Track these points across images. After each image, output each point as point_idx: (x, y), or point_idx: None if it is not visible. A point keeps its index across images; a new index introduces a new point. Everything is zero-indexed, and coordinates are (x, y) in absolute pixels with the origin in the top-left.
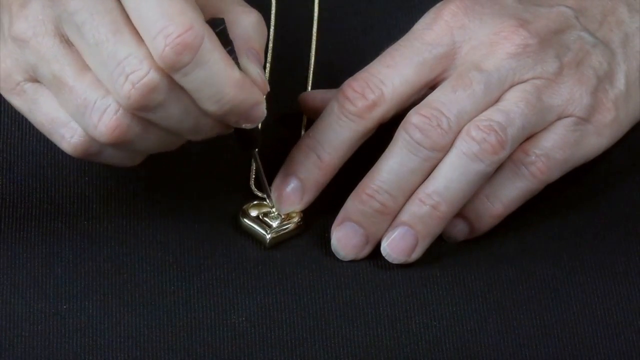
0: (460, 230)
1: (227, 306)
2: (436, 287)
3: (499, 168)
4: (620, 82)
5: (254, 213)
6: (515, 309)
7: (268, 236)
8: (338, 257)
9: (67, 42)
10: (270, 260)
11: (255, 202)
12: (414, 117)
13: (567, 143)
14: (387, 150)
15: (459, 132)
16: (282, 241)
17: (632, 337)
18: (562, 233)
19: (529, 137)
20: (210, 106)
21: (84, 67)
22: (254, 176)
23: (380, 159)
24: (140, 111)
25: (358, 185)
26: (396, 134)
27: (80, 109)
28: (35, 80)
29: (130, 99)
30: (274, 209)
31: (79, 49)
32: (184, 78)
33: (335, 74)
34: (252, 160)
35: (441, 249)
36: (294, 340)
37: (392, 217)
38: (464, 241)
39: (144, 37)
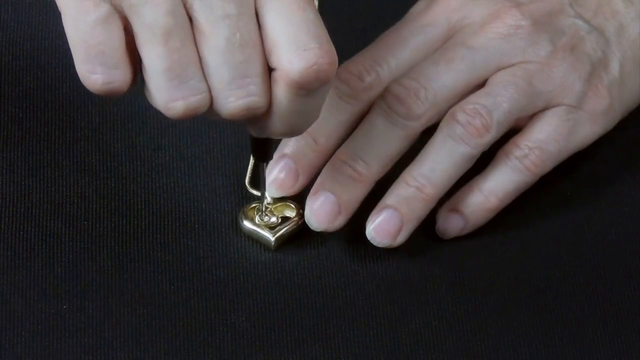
0: (454, 225)
1: (227, 306)
2: (436, 286)
3: (492, 161)
4: (614, 69)
5: (255, 217)
6: (515, 309)
7: (273, 239)
8: (311, 228)
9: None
10: (270, 260)
11: (254, 204)
12: (393, 87)
13: (561, 134)
14: (365, 118)
15: (437, 105)
16: (287, 241)
17: (632, 337)
18: (562, 233)
19: (519, 123)
20: (279, 126)
21: (193, 39)
22: (249, 175)
23: (358, 126)
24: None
25: (335, 153)
26: (375, 102)
27: (169, 73)
28: (117, 8)
29: (228, 112)
30: (268, 210)
31: (199, 21)
32: (292, 95)
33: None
34: (252, 164)
35: (441, 249)
36: (294, 340)
37: (365, 186)
38: (464, 241)
39: (280, 43)
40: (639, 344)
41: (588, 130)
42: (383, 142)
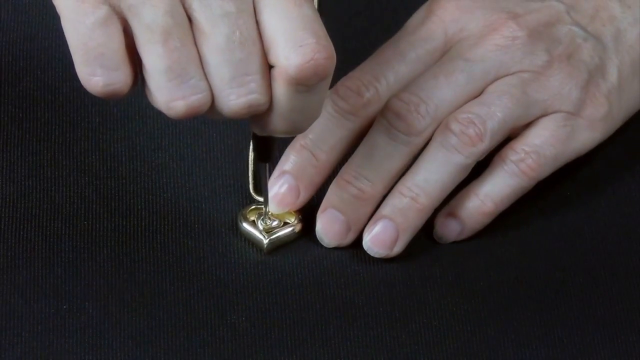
0: (451, 230)
1: (227, 306)
2: (436, 287)
3: (489, 166)
4: (612, 75)
5: (252, 217)
6: (515, 309)
7: (266, 241)
8: (322, 244)
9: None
10: (270, 260)
11: (253, 207)
12: (393, 103)
13: (558, 139)
14: (366, 136)
15: (437, 119)
16: (281, 245)
17: (632, 337)
18: (562, 233)
19: (514, 131)
20: (280, 124)
21: (193, 38)
22: (252, 182)
23: (360, 144)
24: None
25: (339, 172)
26: (376, 119)
27: (169, 73)
28: (116, 10)
29: (230, 110)
30: (270, 214)
31: (198, 20)
32: (291, 92)
33: (335, 74)
34: (253, 166)
35: (441, 249)
36: (294, 340)
37: (372, 204)
38: (464, 241)
39: (277, 39)
40: (639, 344)
41: (586, 137)
42: (386, 159)
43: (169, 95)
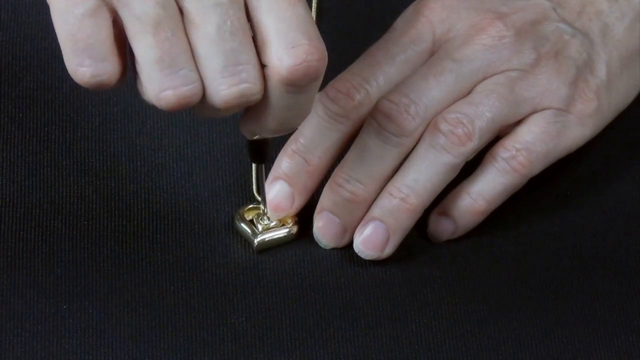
0: (444, 229)
1: (227, 306)
2: (436, 287)
3: (480, 164)
4: (601, 71)
5: (248, 216)
6: (515, 309)
7: (256, 240)
8: (320, 245)
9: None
10: (271, 260)
11: (251, 206)
12: (382, 104)
13: (549, 135)
14: (357, 138)
15: (427, 119)
16: (273, 246)
17: (632, 337)
18: (562, 233)
19: (505, 130)
20: (271, 123)
21: (184, 29)
22: (256, 183)
23: (351, 147)
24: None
25: (331, 175)
26: (366, 120)
27: (160, 63)
28: (105, 1)
29: (222, 100)
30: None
31: (189, 10)
32: (283, 92)
33: (335, 75)
34: (255, 168)
35: (441, 250)
36: (294, 340)
37: (365, 206)
38: (464, 241)
39: (270, 39)
40: (639, 344)
41: (577, 133)
42: (377, 161)
43: (159, 85)
